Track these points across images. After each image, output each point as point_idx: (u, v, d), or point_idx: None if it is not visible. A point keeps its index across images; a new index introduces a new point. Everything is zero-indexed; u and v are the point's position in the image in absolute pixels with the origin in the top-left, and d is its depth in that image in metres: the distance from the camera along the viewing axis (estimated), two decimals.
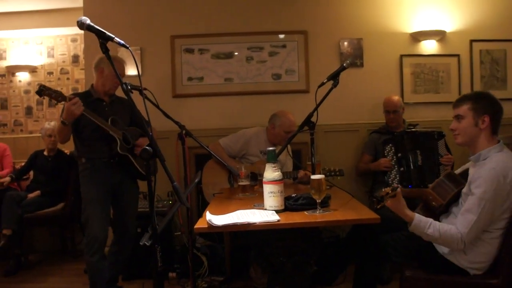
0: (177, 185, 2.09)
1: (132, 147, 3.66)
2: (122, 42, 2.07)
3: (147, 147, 2.03)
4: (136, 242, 3.25)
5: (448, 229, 2.49)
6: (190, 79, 5.12)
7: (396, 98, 4.69)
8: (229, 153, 4.29)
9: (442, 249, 2.67)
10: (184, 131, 3.57)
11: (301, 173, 4.07)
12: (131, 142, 3.65)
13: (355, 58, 5.14)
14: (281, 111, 4.36)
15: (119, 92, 3.29)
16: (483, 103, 2.63)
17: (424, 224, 2.52)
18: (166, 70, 5.11)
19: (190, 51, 5.12)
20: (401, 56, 5.18)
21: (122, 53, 4.50)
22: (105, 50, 2.06)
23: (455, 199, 2.73)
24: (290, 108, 4.70)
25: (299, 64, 5.15)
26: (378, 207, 2.41)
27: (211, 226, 2.44)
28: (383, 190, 2.50)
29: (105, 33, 2.04)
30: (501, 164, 2.49)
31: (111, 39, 2.05)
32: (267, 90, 5.14)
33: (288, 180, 4.07)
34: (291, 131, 4.20)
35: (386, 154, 4.30)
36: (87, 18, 2.05)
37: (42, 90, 3.21)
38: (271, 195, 2.68)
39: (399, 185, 2.58)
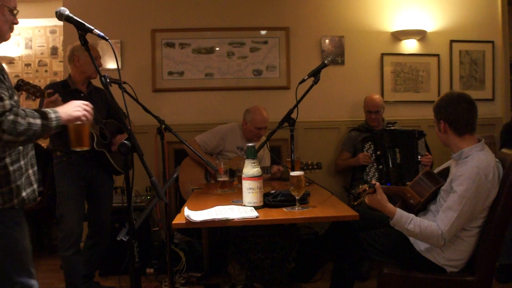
0: (155, 180, 2.08)
1: (109, 143, 3.62)
2: (101, 34, 2.04)
3: (125, 141, 2.01)
4: (113, 237, 3.23)
5: (429, 225, 2.52)
6: (170, 73, 5.09)
7: (378, 97, 4.70)
8: (205, 150, 4.27)
9: (420, 247, 2.70)
10: (163, 126, 3.53)
11: (274, 168, 4.09)
12: (108, 138, 3.62)
13: (336, 55, 5.16)
14: (254, 107, 4.36)
15: (97, 83, 3.25)
16: (438, 110, 2.71)
17: (405, 219, 2.55)
18: (146, 64, 5.06)
19: (170, 45, 5.08)
20: (382, 54, 5.22)
21: (102, 45, 4.45)
22: (84, 42, 2.03)
23: (433, 197, 2.76)
24: (270, 104, 4.71)
25: (280, 60, 5.15)
26: (355, 203, 2.42)
27: (189, 222, 2.44)
28: (361, 187, 2.52)
29: (84, 24, 2.01)
30: (483, 163, 2.51)
31: (90, 30, 2.02)
32: (248, 86, 5.13)
33: (266, 175, 4.08)
34: (262, 127, 4.22)
35: (365, 152, 4.32)
36: (66, 9, 2.02)
37: (20, 85, 3.14)
38: (250, 191, 2.68)
39: (375, 182, 2.59)
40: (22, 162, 2.21)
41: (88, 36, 2.05)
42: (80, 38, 2.02)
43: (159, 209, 4.72)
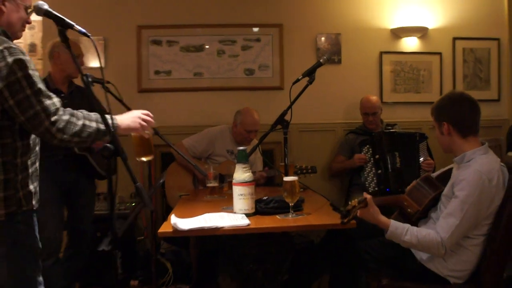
0: (140, 186, 2.07)
1: (91, 145, 3.60)
2: (83, 30, 2.04)
3: (108, 145, 2.00)
4: (94, 247, 3.20)
5: (427, 234, 2.51)
6: (157, 72, 5.07)
7: (374, 98, 4.72)
8: (193, 154, 4.27)
9: (421, 256, 2.69)
10: None
11: (256, 174, 4.08)
12: None
13: (332, 54, 5.16)
14: (245, 108, 4.37)
15: (80, 82, 3.24)
16: (439, 111, 2.70)
17: (401, 231, 2.54)
18: (132, 62, 5.05)
19: (157, 42, 5.07)
20: (381, 53, 5.23)
21: (84, 43, 4.42)
22: (64, 38, 2.02)
23: (434, 203, 2.75)
24: (263, 106, 4.71)
25: (274, 59, 5.15)
26: (346, 221, 2.40)
27: (176, 230, 2.43)
28: (350, 203, 2.50)
29: (64, 20, 2.00)
30: (486, 167, 2.51)
31: (71, 26, 2.01)
32: (239, 86, 5.12)
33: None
34: (252, 131, 4.24)
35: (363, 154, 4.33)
36: (45, 3, 2.01)
37: None
38: (241, 197, 2.68)
39: (366, 196, 2.58)
40: (37, 164, 2.32)
41: (70, 33, 2.04)
42: (60, 35, 2.01)
43: (145, 217, 4.71)
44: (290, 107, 3.16)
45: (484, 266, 2.58)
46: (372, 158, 4.25)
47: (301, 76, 3.17)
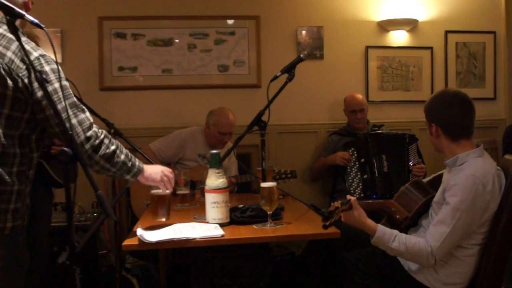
0: (102, 194, 2.04)
1: (48, 151, 3.56)
2: (35, 21, 1.99)
3: (65, 149, 1.97)
4: (51, 263, 3.15)
5: (416, 242, 2.51)
6: (121, 69, 5.04)
7: (360, 95, 4.75)
8: (162, 158, 4.25)
9: (409, 266, 2.69)
10: (112, 130, 3.51)
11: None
12: (46, 145, 3.55)
13: (314, 48, 5.18)
14: (218, 108, 4.38)
15: None
16: (428, 111, 2.73)
17: (388, 236, 2.53)
18: (93, 57, 5.00)
19: (121, 36, 5.04)
20: (367, 47, 5.27)
21: (39, 36, 4.38)
22: (14, 29, 1.98)
23: (424, 210, 2.76)
24: (238, 105, 4.71)
25: (250, 54, 5.16)
26: (327, 224, 2.38)
27: (143, 243, 2.41)
28: (332, 204, 2.50)
29: (13, 8, 1.96)
30: (481, 171, 2.50)
31: (21, 16, 1.96)
32: (212, 84, 5.12)
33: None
34: (226, 133, 4.25)
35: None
36: None
37: None
38: (214, 205, 2.67)
39: (350, 198, 2.58)
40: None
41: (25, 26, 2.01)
42: (8, 25, 1.97)
43: (108, 229, 4.66)
44: (267, 106, 3.16)
45: (479, 279, 2.58)
46: (357, 162, 4.26)
47: (280, 73, 3.17)
